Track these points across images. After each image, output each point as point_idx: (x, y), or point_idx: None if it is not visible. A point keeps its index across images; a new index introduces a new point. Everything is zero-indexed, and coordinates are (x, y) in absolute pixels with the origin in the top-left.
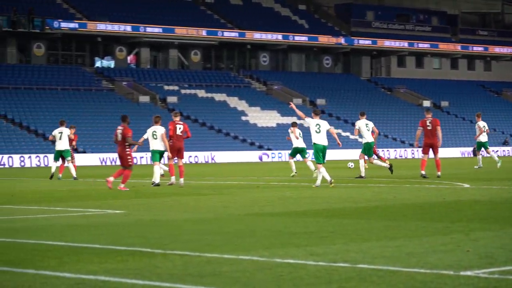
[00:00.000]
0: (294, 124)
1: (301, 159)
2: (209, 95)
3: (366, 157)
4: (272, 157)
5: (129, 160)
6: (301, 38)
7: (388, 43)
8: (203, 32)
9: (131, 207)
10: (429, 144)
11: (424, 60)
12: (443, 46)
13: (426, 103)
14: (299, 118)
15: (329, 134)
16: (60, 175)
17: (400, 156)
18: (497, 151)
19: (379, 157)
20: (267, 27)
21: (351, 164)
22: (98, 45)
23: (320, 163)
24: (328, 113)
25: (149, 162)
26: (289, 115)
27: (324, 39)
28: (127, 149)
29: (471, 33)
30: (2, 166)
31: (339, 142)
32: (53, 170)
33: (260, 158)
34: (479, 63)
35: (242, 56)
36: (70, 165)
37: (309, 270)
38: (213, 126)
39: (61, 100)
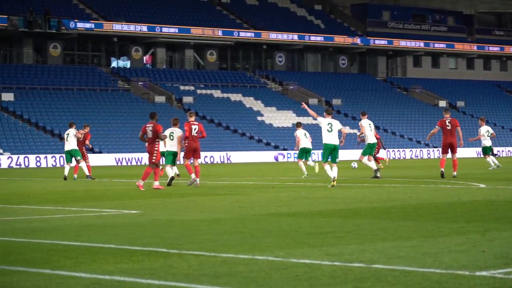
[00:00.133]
0: (298, 125)
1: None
2: (225, 95)
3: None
4: (288, 157)
5: (154, 158)
6: (317, 38)
7: (404, 43)
8: (219, 32)
9: (147, 207)
10: (449, 144)
11: (440, 60)
12: (459, 46)
13: (442, 103)
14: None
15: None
16: (75, 176)
17: (416, 156)
18: (509, 151)
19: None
20: (283, 27)
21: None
22: (114, 45)
23: (326, 162)
24: (343, 113)
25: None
26: (304, 115)
27: (340, 39)
28: (156, 147)
29: (487, 33)
30: (18, 166)
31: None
32: (66, 172)
33: (276, 158)
34: (495, 63)
35: (258, 56)
36: (82, 164)
37: (324, 270)
38: (229, 126)
39: (77, 100)
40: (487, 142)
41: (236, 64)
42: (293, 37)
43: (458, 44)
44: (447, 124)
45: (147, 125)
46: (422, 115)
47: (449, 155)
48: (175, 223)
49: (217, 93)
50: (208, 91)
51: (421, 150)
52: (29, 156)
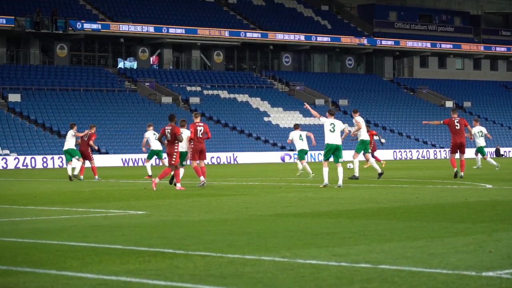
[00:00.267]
0: (296, 126)
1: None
2: (232, 95)
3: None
4: (294, 158)
5: (173, 160)
6: (324, 39)
7: (410, 44)
8: (225, 33)
9: (153, 208)
10: (459, 144)
11: (446, 60)
12: (465, 47)
13: (449, 104)
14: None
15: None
16: (82, 177)
17: (422, 157)
18: None
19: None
20: (289, 28)
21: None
22: (121, 46)
23: (326, 161)
24: (350, 113)
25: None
26: (311, 115)
27: (347, 40)
28: (175, 149)
29: (494, 34)
30: (25, 167)
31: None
32: (69, 172)
33: (282, 158)
34: (502, 64)
35: (265, 56)
36: (78, 163)
37: (331, 271)
38: (236, 127)
39: (84, 101)
40: (482, 142)
41: (243, 65)
42: (300, 37)
43: (465, 44)
44: (456, 124)
45: (166, 127)
46: (429, 116)
47: (456, 155)
48: (182, 223)
49: (223, 94)
50: (215, 92)
51: (427, 150)
52: (36, 157)
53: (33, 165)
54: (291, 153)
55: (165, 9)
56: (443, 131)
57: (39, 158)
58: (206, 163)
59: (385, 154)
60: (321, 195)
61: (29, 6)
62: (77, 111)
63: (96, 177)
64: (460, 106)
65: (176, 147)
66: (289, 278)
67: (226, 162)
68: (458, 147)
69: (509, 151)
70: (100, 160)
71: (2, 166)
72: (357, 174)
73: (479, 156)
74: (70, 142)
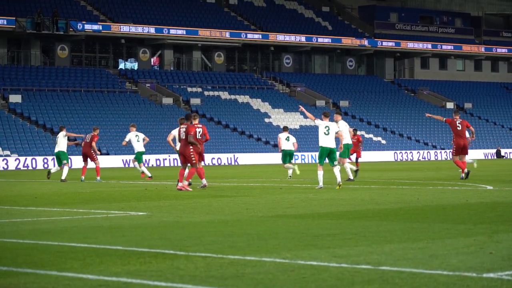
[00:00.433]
0: (285, 129)
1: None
2: (232, 97)
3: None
4: (295, 159)
5: (192, 158)
6: (325, 40)
7: (411, 45)
8: (226, 34)
9: (154, 209)
10: (462, 145)
11: (447, 62)
12: (466, 48)
13: (450, 105)
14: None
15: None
16: (83, 177)
17: (423, 158)
18: None
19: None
20: (290, 29)
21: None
22: (122, 47)
23: (322, 165)
24: (351, 115)
25: (172, 164)
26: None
27: (348, 41)
28: (191, 148)
29: (495, 35)
30: (25, 168)
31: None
32: (52, 171)
33: None
34: (502, 65)
35: (265, 58)
36: (65, 168)
37: (331, 272)
38: (236, 128)
39: (85, 102)
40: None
41: (244, 66)
42: (301, 38)
43: (466, 45)
44: (458, 125)
45: (182, 126)
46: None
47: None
48: (182, 224)
49: (224, 95)
50: (216, 93)
51: (428, 151)
52: (37, 157)
53: (33, 166)
54: None
55: (166, 10)
56: (444, 132)
57: (39, 159)
58: (207, 164)
59: (386, 156)
60: (321, 197)
61: (30, 7)
62: (78, 112)
63: (98, 178)
64: (461, 107)
65: (192, 147)
66: (289, 279)
67: (226, 163)
68: (462, 149)
69: (510, 152)
70: (101, 161)
71: (3, 167)
72: (351, 177)
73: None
74: (62, 145)
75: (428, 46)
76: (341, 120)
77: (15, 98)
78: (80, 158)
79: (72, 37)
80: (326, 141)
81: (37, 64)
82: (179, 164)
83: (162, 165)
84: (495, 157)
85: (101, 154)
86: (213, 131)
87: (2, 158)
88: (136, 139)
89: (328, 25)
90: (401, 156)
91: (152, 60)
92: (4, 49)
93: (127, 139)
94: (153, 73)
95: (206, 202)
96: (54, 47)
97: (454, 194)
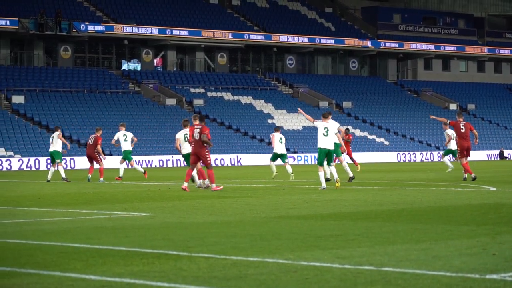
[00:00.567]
0: (276, 129)
1: (281, 163)
2: (235, 98)
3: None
4: (298, 160)
5: (208, 158)
6: (328, 41)
7: (414, 46)
8: (229, 35)
9: (157, 210)
10: (466, 147)
11: (450, 63)
12: (469, 49)
13: (453, 106)
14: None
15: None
16: (90, 176)
17: (426, 159)
18: None
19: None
20: (293, 30)
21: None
22: (125, 48)
23: (322, 166)
24: (354, 116)
25: (175, 165)
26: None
27: (351, 42)
28: (206, 149)
29: (498, 36)
30: (28, 169)
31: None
32: (49, 176)
33: None
34: (506, 66)
35: (268, 59)
36: (60, 167)
37: (334, 273)
38: (239, 129)
39: (88, 102)
40: (453, 146)
41: (247, 67)
42: (304, 39)
43: (469, 47)
44: (461, 127)
45: (196, 127)
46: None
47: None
48: (185, 225)
49: (227, 96)
50: (219, 94)
51: (431, 153)
52: (40, 158)
53: (37, 166)
54: (295, 155)
55: (169, 11)
56: None
57: (43, 159)
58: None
59: (388, 157)
60: (324, 197)
61: (33, 8)
62: (81, 113)
63: (101, 179)
64: (464, 109)
65: (206, 148)
66: (292, 280)
67: (229, 164)
68: (466, 150)
69: None
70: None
71: (6, 168)
72: (351, 174)
73: (448, 158)
74: (56, 145)
75: (431, 47)
76: (331, 119)
77: (18, 99)
78: (85, 158)
79: (75, 38)
80: (325, 142)
81: (40, 65)
82: (182, 165)
83: (165, 166)
84: (498, 158)
85: (104, 154)
86: (216, 132)
87: (5, 158)
88: (123, 138)
89: (331, 26)
90: (404, 157)
91: (155, 61)
92: (7, 50)
93: (116, 138)
94: (156, 74)
95: (209, 203)
96: (57, 48)
97: (457, 195)
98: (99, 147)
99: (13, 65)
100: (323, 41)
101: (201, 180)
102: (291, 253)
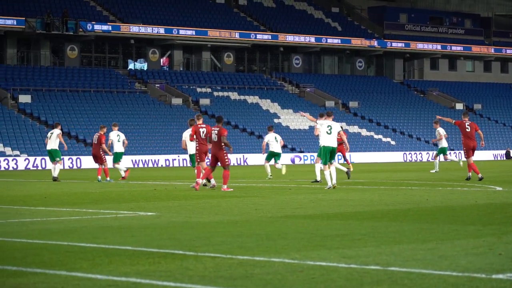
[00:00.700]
0: (270, 128)
1: (273, 162)
2: (242, 97)
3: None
4: (305, 159)
5: (226, 160)
6: (334, 41)
7: (421, 46)
8: (236, 35)
9: (163, 209)
10: (472, 147)
11: (457, 62)
12: (476, 49)
13: (459, 106)
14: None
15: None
16: (99, 177)
17: (432, 159)
18: None
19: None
20: (300, 30)
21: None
22: (131, 48)
23: (326, 164)
24: (360, 115)
25: (181, 165)
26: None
27: (357, 42)
28: (225, 150)
29: (505, 36)
30: (35, 168)
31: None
32: (53, 173)
33: (292, 160)
34: None
35: (275, 58)
36: (57, 166)
37: (340, 273)
38: (246, 129)
39: (94, 102)
40: (444, 144)
41: (253, 66)
42: (310, 39)
43: (475, 46)
44: (467, 126)
45: (213, 128)
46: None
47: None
48: (191, 225)
49: (234, 95)
50: (225, 93)
51: None
52: (46, 158)
53: (43, 166)
54: (301, 155)
55: (175, 10)
56: (453, 133)
57: (49, 159)
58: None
59: (395, 156)
60: (330, 197)
61: (39, 8)
62: (87, 112)
63: (108, 178)
64: (470, 108)
65: (224, 149)
66: (298, 280)
67: (236, 164)
68: (472, 150)
69: None
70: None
71: (13, 167)
72: (345, 169)
73: (438, 159)
74: (54, 142)
75: (437, 47)
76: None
77: (24, 98)
78: (91, 158)
79: (81, 37)
80: (329, 140)
81: (46, 65)
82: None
83: (171, 165)
84: (504, 158)
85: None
86: None
87: (12, 158)
88: (117, 138)
89: (338, 26)
90: (411, 157)
91: (161, 60)
92: (14, 50)
93: (111, 139)
94: (162, 73)
95: (215, 202)
96: (63, 47)
97: (463, 195)
98: (103, 145)
99: (20, 64)
100: (329, 40)
101: (213, 180)
102: (297, 252)
